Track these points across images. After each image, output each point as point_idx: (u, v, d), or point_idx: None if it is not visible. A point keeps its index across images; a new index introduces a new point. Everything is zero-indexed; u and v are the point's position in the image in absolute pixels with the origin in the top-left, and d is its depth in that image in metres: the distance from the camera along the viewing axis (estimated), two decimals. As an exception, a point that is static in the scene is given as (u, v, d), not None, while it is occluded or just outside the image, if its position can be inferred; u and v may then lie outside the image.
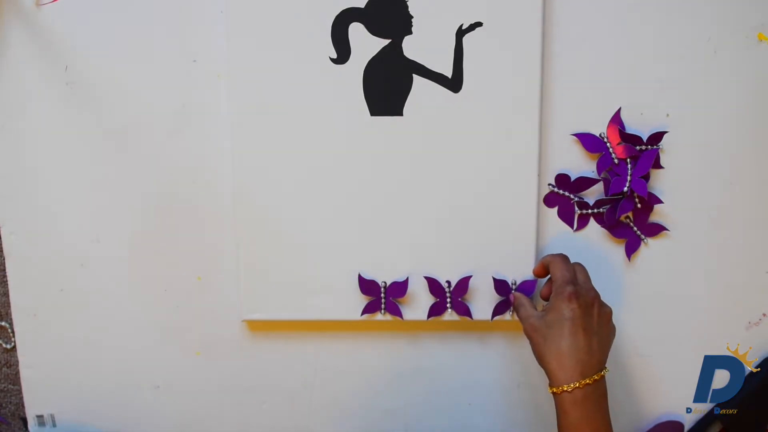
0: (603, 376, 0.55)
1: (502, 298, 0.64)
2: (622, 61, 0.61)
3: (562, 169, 0.63)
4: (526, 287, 0.63)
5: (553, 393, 0.55)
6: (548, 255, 0.60)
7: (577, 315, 0.55)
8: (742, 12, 0.60)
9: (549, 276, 0.59)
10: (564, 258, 0.59)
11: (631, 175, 0.62)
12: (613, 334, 0.58)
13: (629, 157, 0.62)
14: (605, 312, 0.57)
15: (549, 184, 0.63)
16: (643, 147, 0.62)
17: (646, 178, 0.62)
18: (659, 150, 0.62)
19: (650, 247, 0.64)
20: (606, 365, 0.56)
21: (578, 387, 0.53)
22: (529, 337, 0.57)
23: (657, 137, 0.62)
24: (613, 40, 0.61)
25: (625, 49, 0.61)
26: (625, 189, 0.62)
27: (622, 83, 0.62)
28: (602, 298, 0.65)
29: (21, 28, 0.62)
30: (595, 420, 0.54)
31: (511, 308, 0.64)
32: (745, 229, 0.64)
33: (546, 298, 0.60)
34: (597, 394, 0.54)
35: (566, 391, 0.53)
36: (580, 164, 0.63)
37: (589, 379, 0.54)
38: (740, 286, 0.65)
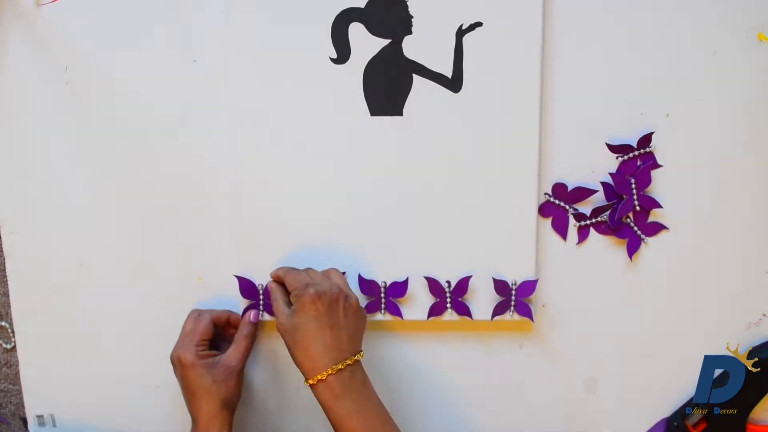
0: (357, 361, 0.56)
1: (502, 298, 0.64)
2: (622, 61, 0.61)
3: (561, 174, 0.63)
4: (526, 287, 0.63)
5: (311, 386, 0.55)
6: (278, 269, 0.61)
7: (322, 314, 0.55)
8: (742, 12, 0.60)
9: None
10: (291, 268, 0.60)
11: (636, 193, 0.62)
12: (364, 320, 0.60)
13: (629, 174, 0.62)
14: (351, 304, 0.58)
15: (545, 194, 0.63)
16: (635, 153, 0.62)
17: (648, 182, 0.63)
18: (653, 151, 0.62)
19: (650, 247, 0.64)
20: (361, 349, 0.57)
21: (331, 373, 0.54)
22: (281, 336, 0.58)
23: (646, 139, 0.62)
24: (613, 40, 0.61)
25: (626, 49, 0.61)
26: (638, 208, 0.62)
27: (622, 83, 0.62)
28: (603, 300, 0.65)
29: (21, 28, 0.62)
30: (363, 409, 0.55)
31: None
32: (745, 229, 0.64)
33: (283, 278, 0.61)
34: (356, 383, 0.55)
35: (321, 380, 0.54)
36: (580, 164, 0.63)
37: (342, 365, 0.55)
38: (740, 286, 0.65)
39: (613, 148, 0.62)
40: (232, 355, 0.61)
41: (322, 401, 0.55)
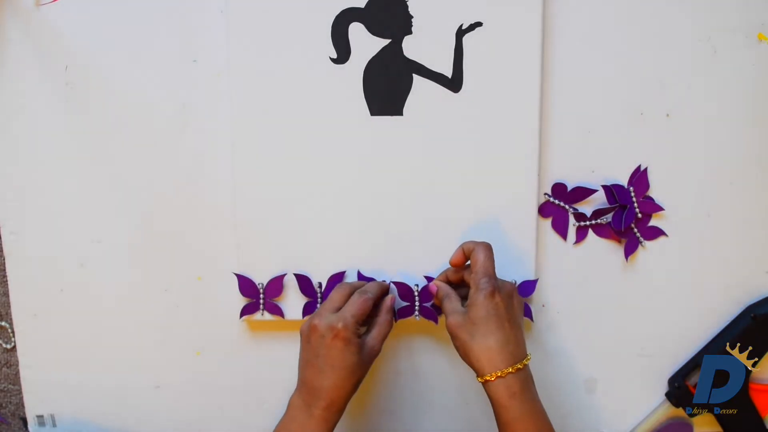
0: (527, 363, 0.55)
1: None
2: (622, 61, 0.61)
3: (561, 174, 0.63)
4: (526, 287, 0.63)
5: (486, 382, 0.54)
6: (470, 242, 0.58)
7: (501, 309, 0.54)
8: (742, 12, 0.60)
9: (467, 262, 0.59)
10: (487, 248, 0.57)
11: (636, 200, 0.63)
12: None
13: (630, 185, 0.63)
14: (521, 301, 0.58)
15: (545, 194, 0.63)
16: (631, 190, 0.63)
17: (646, 187, 0.63)
18: (647, 170, 0.63)
19: (649, 247, 0.64)
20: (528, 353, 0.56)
21: (512, 372, 0.53)
22: (453, 334, 0.56)
23: (642, 180, 0.63)
24: (613, 40, 0.61)
25: (625, 49, 0.61)
26: (639, 216, 0.63)
27: (622, 83, 0.62)
28: (602, 300, 0.65)
29: (21, 28, 0.62)
30: (536, 413, 0.54)
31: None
32: (745, 229, 0.64)
33: (457, 281, 0.60)
34: (529, 383, 0.54)
35: (500, 377, 0.53)
36: (580, 164, 0.63)
37: (521, 364, 0.54)
38: (740, 286, 0.65)
39: (611, 199, 0.63)
40: (376, 338, 0.59)
41: (497, 399, 0.53)
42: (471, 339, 0.54)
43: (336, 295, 0.59)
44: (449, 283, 0.61)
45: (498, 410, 0.54)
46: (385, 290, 0.62)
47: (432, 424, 0.69)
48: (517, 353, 0.54)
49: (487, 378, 0.53)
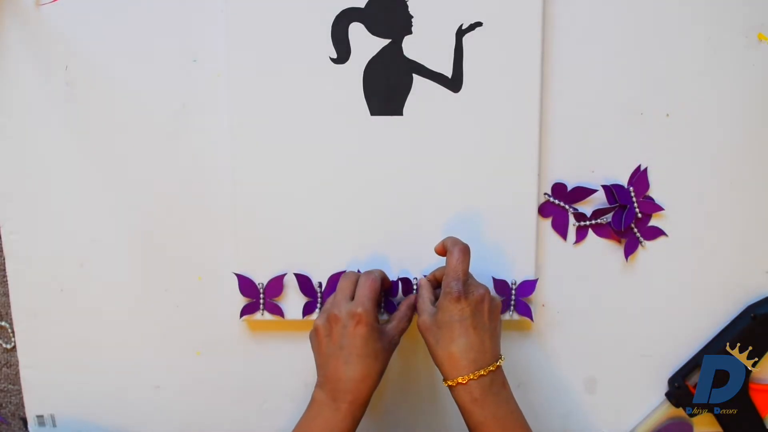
0: (499, 367, 0.55)
1: (502, 298, 0.63)
2: (622, 61, 0.61)
3: (561, 174, 0.63)
4: (526, 287, 0.63)
5: (449, 387, 0.54)
6: (450, 239, 0.58)
7: (467, 315, 0.54)
8: (742, 12, 0.60)
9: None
10: (462, 250, 0.56)
11: (636, 200, 0.63)
12: (501, 325, 0.58)
13: (630, 185, 0.63)
14: (495, 305, 0.56)
15: (545, 194, 0.63)
16: (631, 190, 0.63)
17: (646, 187, 0.63)
18: (647, 170, 0.63)
19: (649, 246, 0.64)
20: (501, 355, 0.56)
21: (473, 378, 0.53)
22: (422, 335, 0.56)
23: (641, 183, 0.63)
24: (613, 40, 0.61)
25: (625, 49, 0.61)
26: (639, 216, 0.63)
27: (622, 83, 0.62)
28: (602, 300, 0.65)
29: (21, 28, 0.62)
30: (502, 414, 0.54)
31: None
32: (745, 228, 0.64)
33: (438, 278, 0.60)
34: (496, 387, 0.54)
35: (461, 383, 0.53)
36: (580, 164, 0.63)
37: (484, 371, 0.53)
38: (740, 286, 0.65)
39: (610, 198, 0.63)
40: (395, 329, 0.58)
41: (460, 403, 0.54)
42: (435, 343, 0.55)
43: (345, 284, 0.58)
44: (437, 281, 0.61)
45: (462, 414, 0.55)
46: (385, 278, 0.61)
47: (433, 424, 0.69)
48: (481, 360, 0.54)
49: (450, 383, 0.54)
